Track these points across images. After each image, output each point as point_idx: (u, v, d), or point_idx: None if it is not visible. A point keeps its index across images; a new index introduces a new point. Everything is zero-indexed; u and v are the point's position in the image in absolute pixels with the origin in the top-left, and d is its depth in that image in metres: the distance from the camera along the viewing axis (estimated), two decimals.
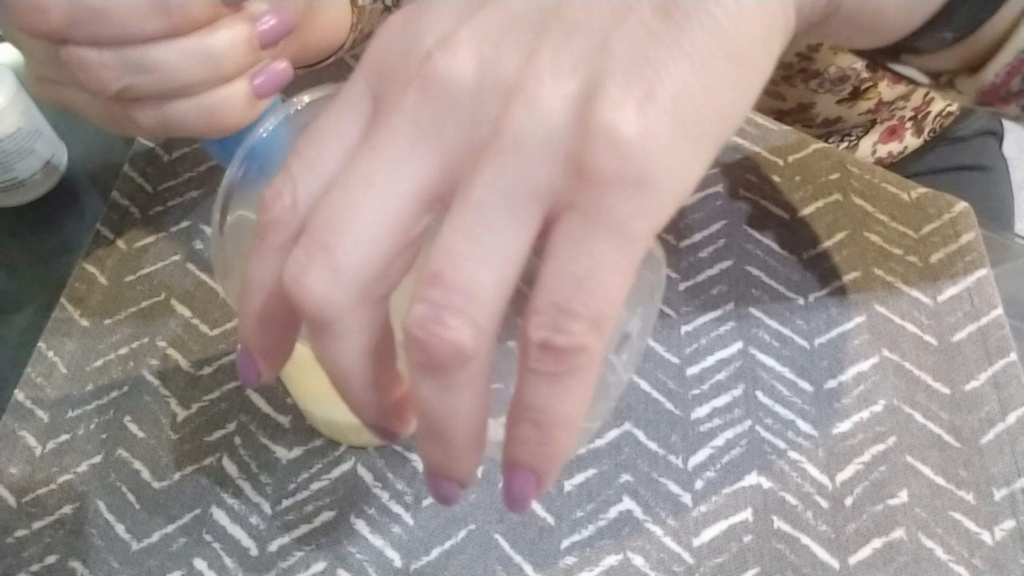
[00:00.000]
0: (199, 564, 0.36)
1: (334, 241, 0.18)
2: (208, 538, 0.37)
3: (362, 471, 0.38)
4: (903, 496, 0.36)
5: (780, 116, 0.60)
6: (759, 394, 0.40)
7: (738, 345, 0.41)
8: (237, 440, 0.39)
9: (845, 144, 0.63)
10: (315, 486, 0.38)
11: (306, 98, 0.25)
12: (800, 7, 0.22)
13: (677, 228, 0.46)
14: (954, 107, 0.65)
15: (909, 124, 0.63)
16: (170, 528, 0.37)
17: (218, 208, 0.25)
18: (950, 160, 0.65)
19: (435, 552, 0.36)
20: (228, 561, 0.36)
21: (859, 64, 0.55)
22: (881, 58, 0.32)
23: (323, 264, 0.18)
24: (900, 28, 0.28)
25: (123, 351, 0.42)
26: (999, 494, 0.36)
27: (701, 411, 0.39)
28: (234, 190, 0.25)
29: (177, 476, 0.38)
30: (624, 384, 0.24)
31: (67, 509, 0.38)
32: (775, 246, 0.45)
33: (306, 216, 0.19)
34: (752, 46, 0.19)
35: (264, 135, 0.25)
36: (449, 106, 0.18)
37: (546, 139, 0.17)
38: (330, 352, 0.19)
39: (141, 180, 0.50)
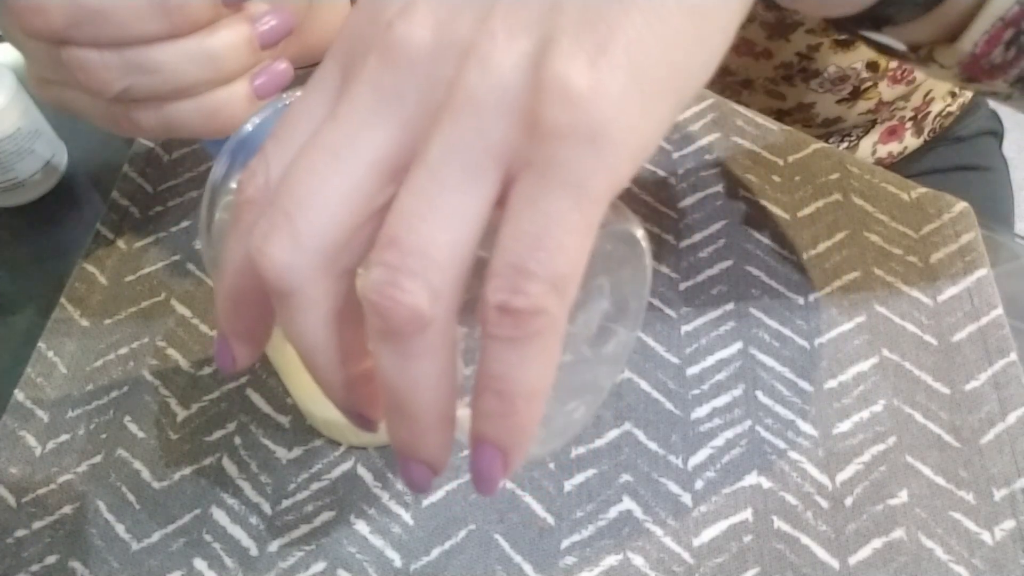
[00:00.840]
0: (199, 564, 0.36)
1: (295, 209, 0.18)
2: (208, 538, 0.37)
3: (362, 471, 0.38)
4: (903, 496, 0.36)
5: (780, 116, 0.61)
6: (759, 394, 0.40)
7: (738, 345, 0.41)
8: (237, 440, 0.39)
9: (845, 144, 0.63)
10: (315, 486, 0.38)
11: (298, 93, 0.25)
12: None
13: (677, 228, 0.46)
14: (954, 107, 0.65)
15: (909, 124, 0.63)
16: (170, 528, 0.37)
17: (205, 204, 0.25)
18: (950, 160, 0.65)
19: (435, 552, 0.36)
20: (228, 561, 0.36)
21: (859, 64, 0.55)
22: (859, 28, 0.32)
23: (284, 232, 0.18)
24: None
25: (123, 351, 0.43)
26: (999, 494, 0.36)
27: (701, 411, 0.39)
28: (220, 185, 0.25)
29: (177, 476, 0.38)
30: (613, 375, 0.24)
31: (67, 509, 0.38)
32: (775, 246, 0.45)
33: None
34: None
35: (250, 129, 0.25)
36: (407, 71, 0.18)
37: (500, 97, 0.17)
38: (294, 325, 0.19)
39: (141, 180, 0.50)
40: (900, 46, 0.32)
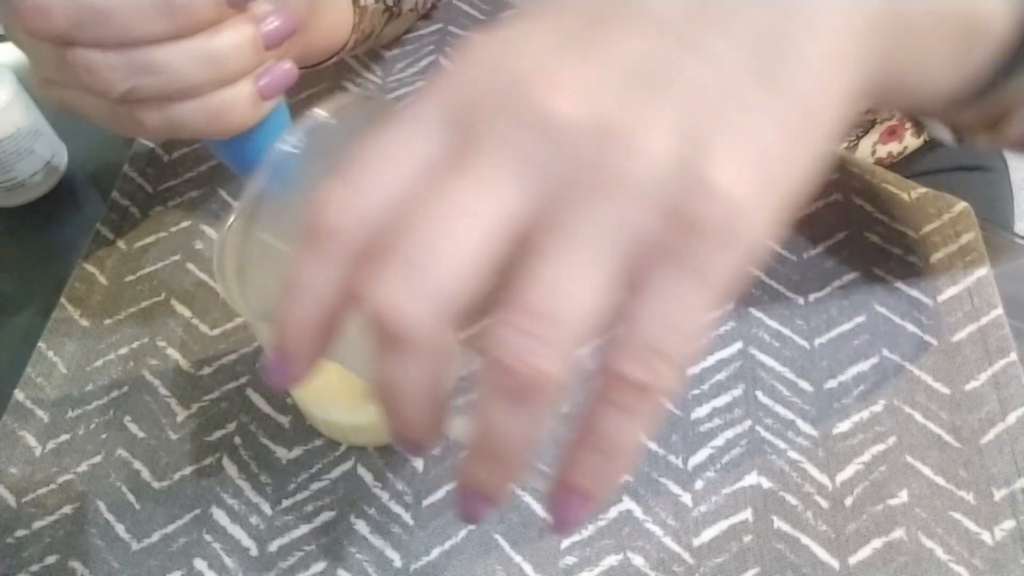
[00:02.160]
0: (199, 564, 0.36)
1: (431, 263, 0.18)
2: (208, 538, 0.37)
3: (362, 471, 0.38)
4: (903, 496, 0.36)
5: None
6: (759, 394, 0.40)
7: (738, 345, 0.41)
8: (237, 440, 0.39)
9: (845, 144, 0.63)
10: (315, 486, 0.38)
11: (325, 114, 0.24)
12: (870, 83, 0.23)
13: None
14: None
15: (909, 124, 0.63)
16: (170, 528, 0.37)
17: (243, 214, 0.24)
18: (950, 160, 0.65)
19: (435, 552, 0.36)
20: (228, 561, 0.36)
21: None
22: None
23: (418, 287, 0.18)
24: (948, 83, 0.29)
25: (123, 351, 0.42)
26: (999, 494, 0.36)
27: (701, 411, 0.39)
28: (259, 201, 0.24)
29: (177, 476, 0.38)
30: None
31: (67, 509, 0.38)
32: (775, 246, 0.45)
33: (373, 231, 0.19)
34: (827, 112, 0.20)
35: (289, 149, 0.24)
36: (548, 143, 0.18)
37: (649, 187, 0.18)
38: (400, 369, 0.19)
39: (141, 180, 0.50)
40: (946, 135, 0.33)
